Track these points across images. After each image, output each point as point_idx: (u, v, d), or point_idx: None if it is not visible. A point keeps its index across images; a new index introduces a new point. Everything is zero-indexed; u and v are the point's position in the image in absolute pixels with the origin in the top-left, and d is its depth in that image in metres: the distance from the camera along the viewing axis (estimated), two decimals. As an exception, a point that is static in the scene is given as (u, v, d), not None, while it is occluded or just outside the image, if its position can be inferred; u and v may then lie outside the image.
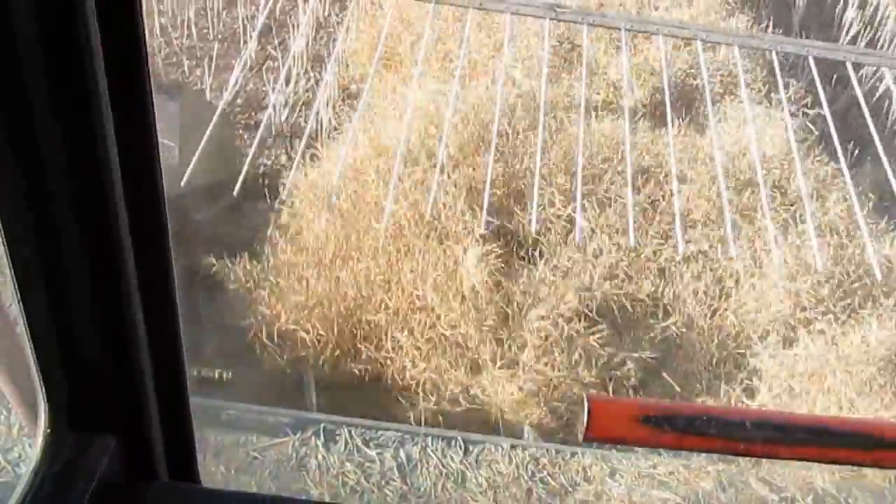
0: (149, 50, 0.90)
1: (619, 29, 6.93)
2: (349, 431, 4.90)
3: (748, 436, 0.85)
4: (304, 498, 4.36)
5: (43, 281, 0.93)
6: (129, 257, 0.95)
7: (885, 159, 6.05)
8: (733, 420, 0.88)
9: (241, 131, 6.97)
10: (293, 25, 7.60)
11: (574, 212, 5.75)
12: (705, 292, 5.77)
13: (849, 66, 6.79)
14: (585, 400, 0.92)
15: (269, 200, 6.21)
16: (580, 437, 0.92)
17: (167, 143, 5.86)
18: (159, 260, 1.00)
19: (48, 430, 1.04)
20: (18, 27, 0.77)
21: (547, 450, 4.94)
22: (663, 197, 6.11)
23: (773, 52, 6.83)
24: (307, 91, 7.22)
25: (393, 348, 5.38)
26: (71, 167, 0.86)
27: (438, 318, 5.35)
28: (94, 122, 0.85)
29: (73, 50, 0.80)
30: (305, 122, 6.68)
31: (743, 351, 5.70)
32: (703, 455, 4.71)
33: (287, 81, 7.11)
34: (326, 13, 8.04)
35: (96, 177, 0.88)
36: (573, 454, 4.92)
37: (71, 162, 0.86)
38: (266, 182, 6.41)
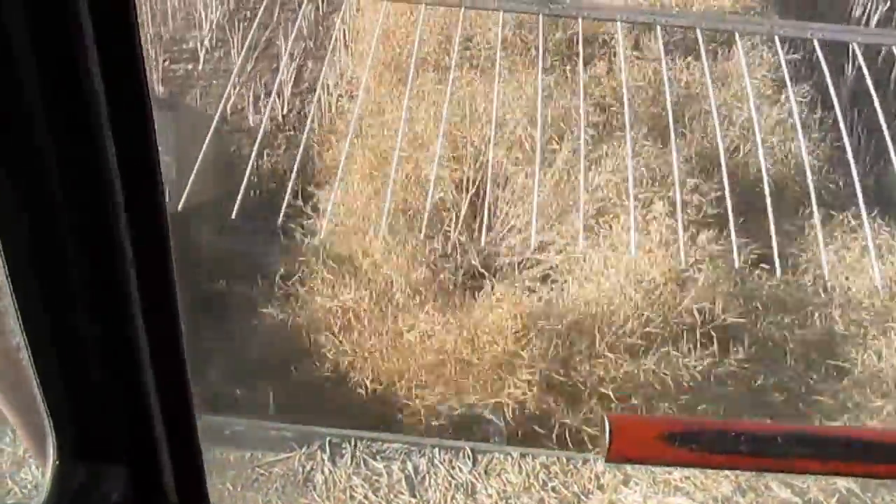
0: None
1: (616, 21, 6.83)
2: (355, 444, 4.86)
3: (780, 451, 0.82)
4: None
5: (46, 309, 0.92)
6: (133, 282, 0.93)
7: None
8: (763, 435, 0.85)
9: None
10: (246, 131, 6.72)
11: None
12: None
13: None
14: (606, 421, 0.88)
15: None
16: (602, 459, 0.89)
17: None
18: (163, 285, 0.98)
19: (57, 461, 1.03)
20: (14, 36, 0.75)
21: (558, 458, 4.89)
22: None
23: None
24: (266, 220, 6.25)
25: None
26: (72, 192, 0.85)
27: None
28: (95, 143, 0.83)
29: (72, 70, 0.79)
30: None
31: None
32: None
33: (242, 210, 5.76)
34: (286, 111, 7.22)
35: (98, 199, 0.86)
36: (585, 461, 4.87)
37: (73, 186, 0.84)
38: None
